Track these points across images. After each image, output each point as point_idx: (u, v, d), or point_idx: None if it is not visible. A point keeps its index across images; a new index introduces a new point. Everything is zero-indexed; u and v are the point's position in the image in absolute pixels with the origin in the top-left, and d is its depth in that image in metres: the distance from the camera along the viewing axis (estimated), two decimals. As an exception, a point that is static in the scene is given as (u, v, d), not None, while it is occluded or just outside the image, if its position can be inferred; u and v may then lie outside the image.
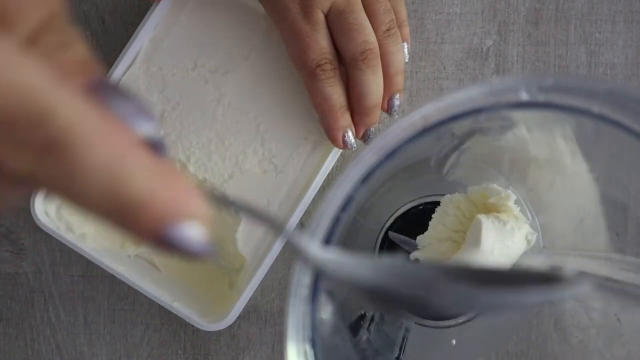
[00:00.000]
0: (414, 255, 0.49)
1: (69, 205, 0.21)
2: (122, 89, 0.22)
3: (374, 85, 0.51)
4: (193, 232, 0.22)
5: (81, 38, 0.24)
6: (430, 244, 0.48)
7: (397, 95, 0.53)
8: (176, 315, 0.54)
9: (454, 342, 0.56)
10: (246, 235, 0.54)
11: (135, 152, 0.21)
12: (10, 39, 0.21)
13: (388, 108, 0.53)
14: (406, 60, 0.53)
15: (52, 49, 0.23)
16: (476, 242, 0.46)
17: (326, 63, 0.51)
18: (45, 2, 0.23)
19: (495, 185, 0.47)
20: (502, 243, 0.46)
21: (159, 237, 0.22)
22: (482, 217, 0.46)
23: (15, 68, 0.19)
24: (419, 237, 0.49)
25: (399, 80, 0.53)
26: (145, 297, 0.55)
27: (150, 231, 0.21)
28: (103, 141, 0.20)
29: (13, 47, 0.19)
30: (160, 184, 0.21)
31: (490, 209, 0.47)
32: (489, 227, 0.46)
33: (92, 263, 0.54)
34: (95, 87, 0.22)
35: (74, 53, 0.23)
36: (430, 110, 0.34)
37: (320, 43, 0.51)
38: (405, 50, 0.53)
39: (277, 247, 0.53)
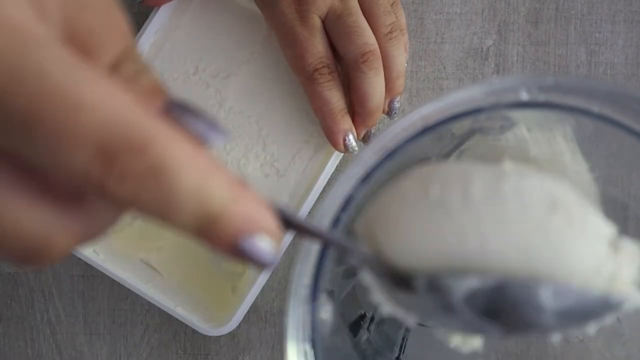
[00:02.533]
0: None
1: (153, 221, 0.23)
2: (193, 107, 0.24)
3: (376, 87, 0.51)
4: (264, 245, 0.25)
5: (150, 66, 0.26)
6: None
7: (398, 98, 0.53)
8: (176, 315, 0.54)
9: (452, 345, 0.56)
10: None
11: (215, 173, 0.23)
12: (99, 67, 0.23)
13: (388, 111, 0.53)
14: (405, 68, 0.53)
15: (129, 77, 0.25)
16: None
17: (324, 67, 0.51)
18: (123, 36, 0.25)
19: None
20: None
21: (234, 248, 0.24)
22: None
23: (120, 102, 0.21)
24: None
25: (400, 83, 0.53)
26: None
27: (227, 243, 0.24)
28: (191, 165, 0.22)
29: (103, 74, 0.21)
30: (236, 201, 0.24)
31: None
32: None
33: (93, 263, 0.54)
34: (169, 108, 0.24)
35: (147, 79, 0.26)
36: (430, 110, 0.34)
37: (317, 47, 0.51)
38: (405, 58, 0.53)
39: (279, 251, 0.53)
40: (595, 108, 0.35)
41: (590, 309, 0.29)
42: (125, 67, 0.25)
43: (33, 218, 0.23)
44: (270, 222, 0.25)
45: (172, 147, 0.22)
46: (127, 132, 0.21)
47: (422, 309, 0.29)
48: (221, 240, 0.24)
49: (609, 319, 0.30)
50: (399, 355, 0.54)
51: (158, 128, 0.22)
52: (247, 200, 0.24)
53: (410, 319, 0.31)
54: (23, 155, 0.22)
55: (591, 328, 0.30)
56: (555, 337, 0.31)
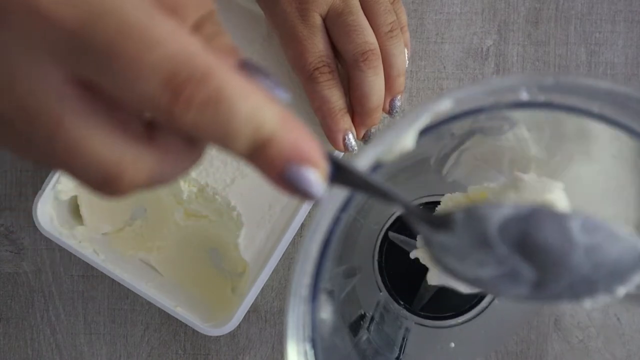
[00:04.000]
0: (414, 254, 0.49)
1: (221, 149, 0.26)
2: (263, 67, 0.28)
3: (375, 86, 0.51)
4: (311, 175, 0.27)
5: (227, 31, 0.30)
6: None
7: (399, 97, 0.53)
8: (176, 315, 0.54)
9: (452, 345, 0.56)
10: (248, 240, 0.54)
11: (268, 104, 0.26)
12: (183, 25, 0.27)
13: (389, 110, 0.53)
14: (406, 66, 0.53)
15: (210, 36, 0.29)
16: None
17: (324, 66, 0.51)
18: (206, 2, 0.29)
19: (495, 185, 0.47)
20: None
21: (282, 176, 0.26)
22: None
23: (187, 42, 0.25)
24: (419, 236, 0.49)
25: (401, 82, 0.52)
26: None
27: (276, 169, 0.26)
28: (247, 95, 0.25)
29: (185, 30, 0.25)
30: (286, 129, 0.26)
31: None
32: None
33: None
34: (242, 65, 0.28)
35: (225, 41, 0.29)
36: (431, 110, 0.34)
37: (318, 46, 0.51)
38: (405, 56, 0.53)
39: (279, 251, 0.53)
40: (595, 108, 0.35)
41: (619, 255, 0.30)
42: (205, 28, 0.29)
43: (109, 146, 0.26)
44: (317, 154, 0.27)
45: (229, 79, 0.25)
46: (191, 65, 0.25)
47: (459, 249, 0.30)
48: (271, 166, 0.26)
49: (636, 279, 0.31)
50: (399, 355, 0.54)
51: (220, 66, 0.25)
52: (296, 131, 0.26)
53: (447, 271, 0.32)
54: (103, 85, 0.25)
55: (620, 291, 0.31)
56: (587, 304, 0.32)
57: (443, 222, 0.30)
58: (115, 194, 0.27)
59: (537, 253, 0.29)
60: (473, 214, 0.29)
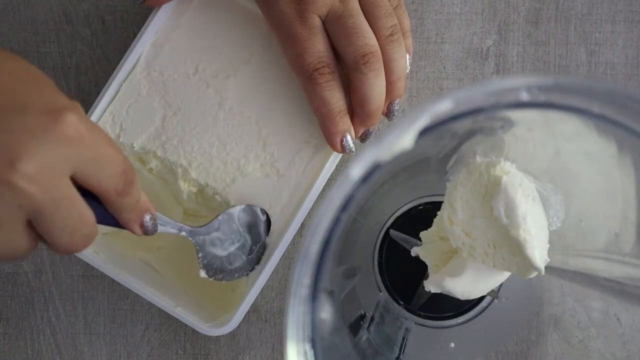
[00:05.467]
0: (415, 250, 0.49)
1: None
2: None
3: (376, 89, 0.51)
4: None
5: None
6: (433, 242, 0.48)
7: (397, 101, 0.53)
8: (176, 315, 0.54)
9: (452, 345, 0.56)
10: None
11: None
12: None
13: (387, 113, 0.53)
14: (407, 71, 0.53)
15: None
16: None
17: (324, 67, 0.51)
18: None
19: (449, 183, 0.46)
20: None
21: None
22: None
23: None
24: (422, 233, 0.49)
25: (400, 86, 0.52)
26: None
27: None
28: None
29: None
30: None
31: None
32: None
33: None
34: None
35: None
36: (431, 110, 0.34)
37: (317, 47, 0.51)
38: (407, 62, 0.53)
39: (279, 251, 0.53)
40: (595, 108, 0.35)
41: None
42: None
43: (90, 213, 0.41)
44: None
45: None
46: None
47: None
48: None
49: None
50: (399, 355, 0.54)
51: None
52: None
53: None
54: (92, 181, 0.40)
55: None
56: None
57: None
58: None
59: None
60: None
